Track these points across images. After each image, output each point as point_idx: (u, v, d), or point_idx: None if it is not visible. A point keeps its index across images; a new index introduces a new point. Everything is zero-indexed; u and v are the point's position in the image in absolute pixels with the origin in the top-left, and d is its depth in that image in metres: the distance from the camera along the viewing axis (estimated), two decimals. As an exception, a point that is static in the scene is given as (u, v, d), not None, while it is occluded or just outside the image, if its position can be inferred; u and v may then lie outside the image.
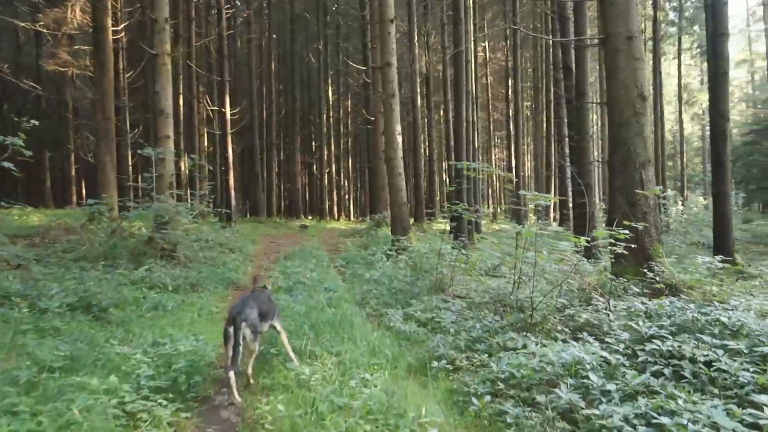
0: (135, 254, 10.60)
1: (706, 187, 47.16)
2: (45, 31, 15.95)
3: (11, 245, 11.15)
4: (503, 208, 49.16)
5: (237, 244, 14.64)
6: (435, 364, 5.02)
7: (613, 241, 6.19)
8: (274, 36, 41.16)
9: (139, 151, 10.90)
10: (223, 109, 19.82)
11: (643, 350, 4.52)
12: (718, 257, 7.32)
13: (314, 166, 48.02)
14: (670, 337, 4.69)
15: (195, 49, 23.38)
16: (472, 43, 24.80)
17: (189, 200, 12.66)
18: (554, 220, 31.78)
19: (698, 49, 47.98)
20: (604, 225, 9.21)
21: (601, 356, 4.39)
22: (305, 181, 46.75)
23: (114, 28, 14.39)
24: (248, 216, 38.69)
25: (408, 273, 10.17)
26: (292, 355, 4.99)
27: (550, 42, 29.05)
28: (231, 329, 4.47)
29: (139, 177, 15.21)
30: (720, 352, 4.23)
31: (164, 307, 7.49)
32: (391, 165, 14.78)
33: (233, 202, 20.17)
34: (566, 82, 17.47)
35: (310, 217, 44.91)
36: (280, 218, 37.71)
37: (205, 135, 32.80)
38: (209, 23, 24.98)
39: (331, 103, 41.34)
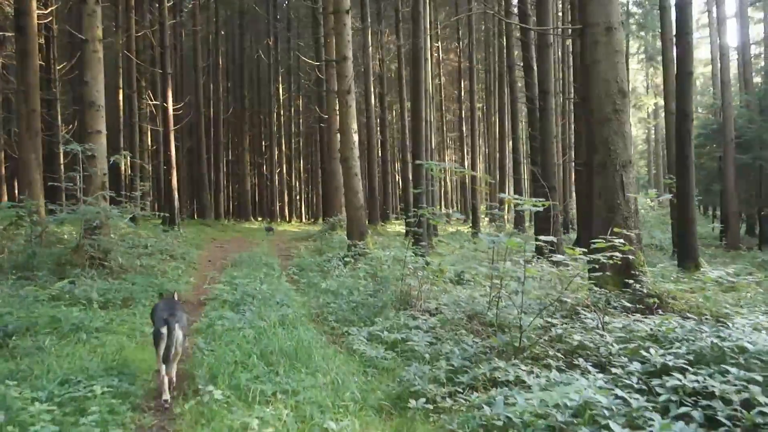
0: (59, 264, 9.36)
1: (654, 189, 48.12)
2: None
3: None
4: (455, 210, 48.93)
5: (180, 250, 13.45)
6: (412, 402, 4.16)
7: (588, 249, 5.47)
8: (222, 33, 39.64)
9: (63, 147, 9.63)
10: (166, 104, 18.47)
11: (662, 386, 3.79)
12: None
13: (264, 167, 46.66)
14: (689, 368, 3.98)
15: (135, 41, 21.88)
16: (428, 40, 24.13)
17: (126, 202, 11.36)
18: (507, 221, 31.47)
19: (644, 54, 48.85)
20: (563, 229, 8.60)
21: (616, 395, 3.63)
22: (255, 182, 45.26)
23: (41, 12, 13.00)
24: (195, 218, 37.06)
25: (369, 283, 9.30)
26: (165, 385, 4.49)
27: (504, 42, 28.74)
28: (164, 330, 4.47)
29: (63, 177, 13.78)
30: (756, 389, 3.53)
31: (86, 328, 6.37)
32: (347, 165, 13.88)
33: (176, 203, 18.85)
34: (528, 80, 16.99)
35: (260, 219, 43.48)
36: (228, 220, 36.23)
37: (149, 132, 31.12)
38: (151, 14, 23.48)
39: (281, 101, 40.12)
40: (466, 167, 35.21)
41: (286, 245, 18.53)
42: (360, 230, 13.82)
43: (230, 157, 44.32)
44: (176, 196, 18.69)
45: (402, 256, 13.24)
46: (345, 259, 12.47)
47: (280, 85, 39.62)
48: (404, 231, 27.86)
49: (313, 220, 45.03)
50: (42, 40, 18.62)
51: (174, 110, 18.95)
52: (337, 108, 20.15)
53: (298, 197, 46.21)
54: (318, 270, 11.83)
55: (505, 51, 27.32)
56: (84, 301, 7.54)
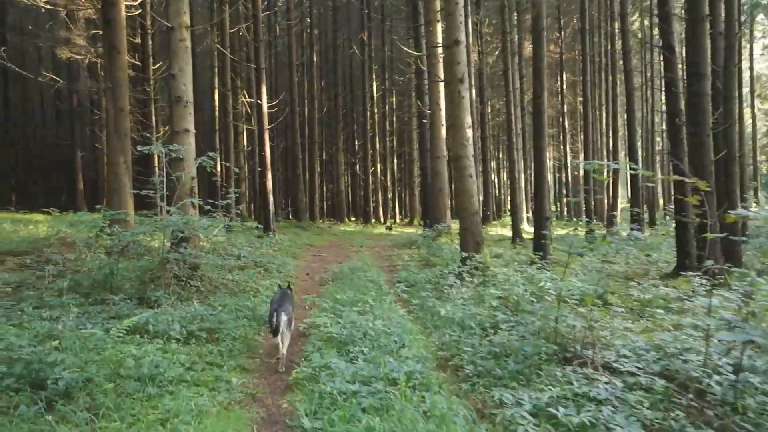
0: (141, 282, 8.19)
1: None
2: (60, 10, 13.76)
3: (-4, 267, 8.92)
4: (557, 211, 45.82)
5: (275, 262, 12.16)
6: None
7: None
8: (316, 31, 38.91)
9: (139, 148, 8.43)
10: (260, 101, 17.44)
11: None
12: None
13: (357, 166, 45.70)
14: None
15: (230, 37, 21.12)
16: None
17: (216, 211, 10.11)
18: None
19: (772, 36, 43.87)
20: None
21: None
22: (348, 182, 44.37)
23: (129, 3, 12.14)
24: (290, 218, 36.54)
25: (501, 313, 7.45)
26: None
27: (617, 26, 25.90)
28: (274, 319, 5.90)
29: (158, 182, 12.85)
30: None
31: (159, 379, 4.98)
32: (459, 165, 12.05)
33: (271, 208, 17.78)
34: (668, 61, 14.42)
35: (353, 219, 42.50)
36: (323, 221, 35.40)
37: (244, 133, 30.73)
38: (245, 8, 22.67)
39: (375, 99, 38.78)
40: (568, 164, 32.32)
41: (386, 252, 16.98)
42: (475, 240, 11.95)
43: (324, 157, 43.66)
44: (271, 199, 17.61)
45: (522, 270, 11.38)
46: (460, 274, 10.69)
47: (374, 83, 38.34)
48: (509, 235, 25.71)
49: (407, 221, 43.51)
50: (138, 39, 18.13)
51: (268, 108, 17.90)
52: (441, 101, 18.40)
53: (391, 197, 44.74)
54: (431, 289, 10.10)
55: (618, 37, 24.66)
56: (163, 334, 6.20)
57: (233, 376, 5.47)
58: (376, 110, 39.14)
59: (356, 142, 46.15)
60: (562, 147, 40.68)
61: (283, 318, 5.87)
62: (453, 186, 15.69)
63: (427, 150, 22.25)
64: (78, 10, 14.24)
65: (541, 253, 12.12)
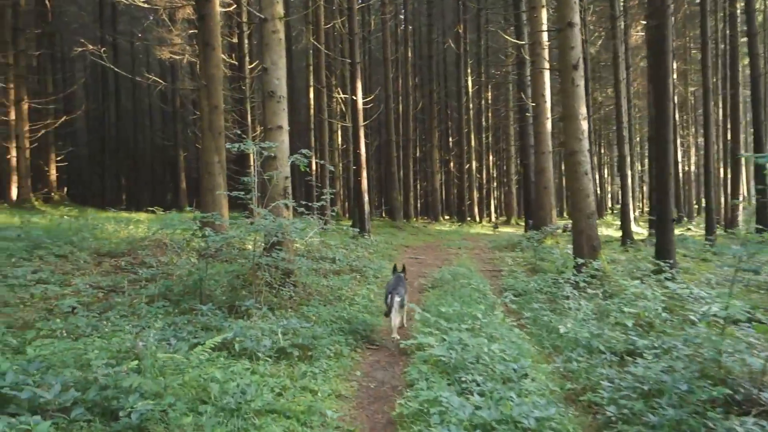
0: (232, 289, 7.70)
1: None
2: (158, 8, 13.77)
3: (93, 268, 8.76)
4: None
5: (371, 266, 11.45)
6: None
7: None
8: (411, 27, 38.17)
9: (228, 146, 7.94)
10: (355, 97, 16.88)
11: None
12: None
13: (451, 164, 44.59)
14: None
15: (324, 33, 20.79)
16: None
17: (311, 213, 9.52)
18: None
19: None
20: None
21: None
22: (442, 179, 43.36)
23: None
24: (383, 216, 36.07)
25: (635, 333, 6.31)
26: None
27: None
28: (388, 301, 6.84)
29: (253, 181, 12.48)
30: None
31: (244, 410, 4.31)
32: (573, 161, 10.84)
33: (366, 208, 17.18)
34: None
35: (447, 218, 41.49)
36: (416, 220, 34.65)
37: (339, 131, 30.48)
38: (341, 5, 22.27)
39: (470, 94, 37.47)
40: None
41: (487, 255, 15.92)
42: (591, 245, 10.71)
43: (418, 155, 42.93)
44: (366, 199, 17.01)
45: (645, 279, 10.01)
46: (575, 281, 9.52)
47: (469, 77, 37.05)
48: (615, 236, 23.81)
49: (503, 220, 41.93)
50: (235, 38, 18.10)
51: (363, 104, 17.33)
52: (546, 92, 17.07)
53: (486, 195, 43.26)
54: (544, 300, 9.03)
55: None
56: (251, 350, 5.59)
57: (328, 406, 4.73)
58: (471, 106, 37.87)
59: (450, 139, 45.06)
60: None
61: (396, 299, 6.77)
62: (563, 184, 14.42)
63: (529, 146, 20.93)
64: (175, 8, 14.27)
65: (669, 261, 10.65)
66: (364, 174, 17.04)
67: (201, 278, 7.02)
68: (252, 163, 16.23)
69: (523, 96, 19.75)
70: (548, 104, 17.21)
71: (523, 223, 40.19)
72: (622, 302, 7.77)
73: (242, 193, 7.29)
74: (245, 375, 5.02)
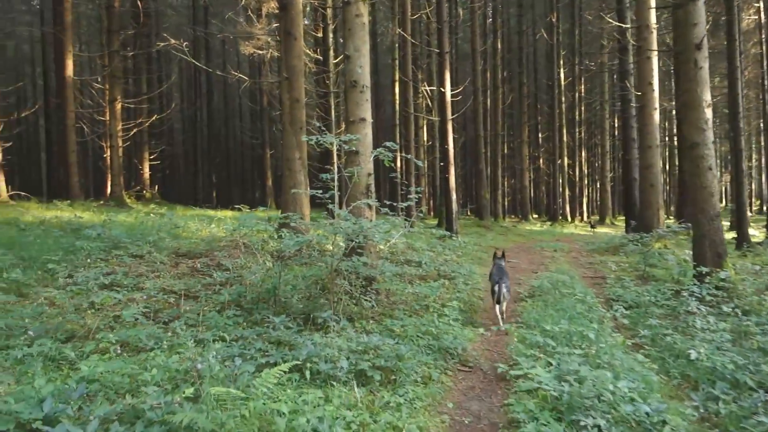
0: (308, 298, 7.02)
1: None
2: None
3: (169, 270, 8.39)
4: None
5: (460, 271, 10.51)
6: None
7: None
8: (500, 19, 36.67)
9: (304, 138, 7.24)
10: (443, 89, 15.95)
11: None
12: None
13: (541, 160, 42.67)
14: None
15: (411, 24, 19.97)
16: None
17: (396, 214, 8.75)
18: None
19: None
20: None
21: None
22: (531, 177, 41.57)
23: (307, -13, 11.41)
24: (469, 215, 34.89)
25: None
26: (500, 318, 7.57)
27: None
28: (496, 288, 7.54)
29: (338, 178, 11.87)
30: None
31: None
32: (695, 155, 9.44)
33: (454, 207, 16.23)
34: None
35: (535, 217, 39.70)
36: (504, 219, 33.26)
37: (424, 127, 29.64)
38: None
39: (563, 87, 35.46)
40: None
41: (586, 259, 14.57)
42: (716, 251, 9.30)
43: (506, 151, 41.39)
44: (454, 197, 16.04)
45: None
46: (704, 297, 8.19)
47: (562, 69, 35.07)
48: (726, 237, 21.57)
49: (597, 219, 39.59)
50: (320, 33, 17.63)
51: (451, 97, 16.35)
52: (654, 79, 15.45)
53: (579, 194, 40.96)
54: (663, 315, 7.80)
55: None
56: (327, 372, 4.85)
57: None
58: (563, 99, 35.85)
59: (539, 135, 43.12)
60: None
61: (504, 290, 7.52)
62: (677, 181, 12.81)
63: (631, 139, 19.21)
64: (260, 2, 13.93)
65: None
66: (452, 171, 16.08)
67: (275, 286, 6.37)
68: (334, 158, 15.72)
69: (627, 85, 18.10)
70: (656, 93, 15.59)
71: (619, 223, 37.92)
72: (765, 322, 6.47)
73: (321, 191, 6.58)
74: (318, 404, 4.27)
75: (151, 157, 27.15)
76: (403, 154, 13.35)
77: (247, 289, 7.05)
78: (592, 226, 28.17)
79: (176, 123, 42.28)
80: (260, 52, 15.07)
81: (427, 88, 19.89)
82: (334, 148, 6.79)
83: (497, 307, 7.53)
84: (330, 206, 6.63)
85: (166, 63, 37.18)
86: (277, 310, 6.41)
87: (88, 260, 7.95)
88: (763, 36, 24.94)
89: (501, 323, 7.32)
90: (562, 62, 35.11)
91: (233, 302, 6.71)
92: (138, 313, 5.86)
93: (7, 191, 17.13)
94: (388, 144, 6.95)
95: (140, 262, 8.48)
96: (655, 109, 15.48)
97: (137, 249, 9.10)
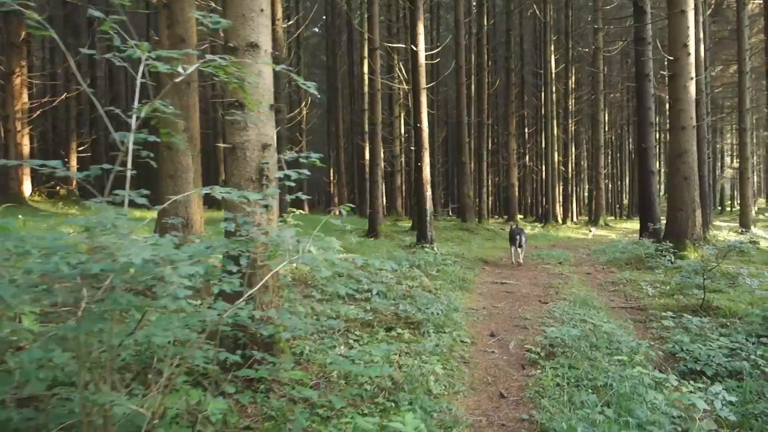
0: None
1: None
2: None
3: None
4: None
5: (431, 309, 6.68)
6: None
7: None
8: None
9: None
10: (415, 47, 12.06)
11: None
12: None
13: (527, 157, 39.23)
14: None
15: None
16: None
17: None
18: None
19: None
20: None
21: None
22: (520, 173, 38.07)
23: None
24: (451, 215, 31.26)
25: None
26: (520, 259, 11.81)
27: None
28: (517, 237, 11.76)
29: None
30: None
31: None
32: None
33: (429, 206, 12.30)
34: None
35: (521, 217, 36.14)
36: (490, 221, 29.65)
37: (401, 117, 25.83)
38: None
39: (553, 75, 31.80)
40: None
41: (604, 276, 10.91)
42: None
43: (491, 147, 37.88)
44: (429, 193, 12.12)
45: None
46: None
47: (552, 55, 31.44)
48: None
49: (592, 220, 36.20)
50: None
51: (428, 60, 12.51)
52: (691, 40, 11.87)
53: (572, 193, 37.35)
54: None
55: None
56: None
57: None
58: (554, 89, 32.22)
59: (526, 130, 39.62)
60: None
61: (523, 238, 11.99)
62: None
63: (648, 123, 15.65)
64: None
65: None
66: (427, 158, 12.15)
67: None
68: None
69: (645, 52, 14.49)
70: (692, 57, 12.05)
71: (615, 225, 34.53)
72: None
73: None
74: None
75: (80, 148, 23.22)
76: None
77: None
78: (591, 229, 24.73)
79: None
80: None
81: (397, 46, 16.02)
82: (140, 74, 2.98)
83: (513, 248, 11.94)
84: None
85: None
86: None
87: None
88: None
89: (518, 259, 11.90)
90: (552, 48, 31.51)
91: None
92: None
93: None
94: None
95: None
96: (692, 78, 11.93)
97: None
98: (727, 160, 53.31)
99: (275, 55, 6.29)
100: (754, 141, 43.10)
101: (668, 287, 9.11)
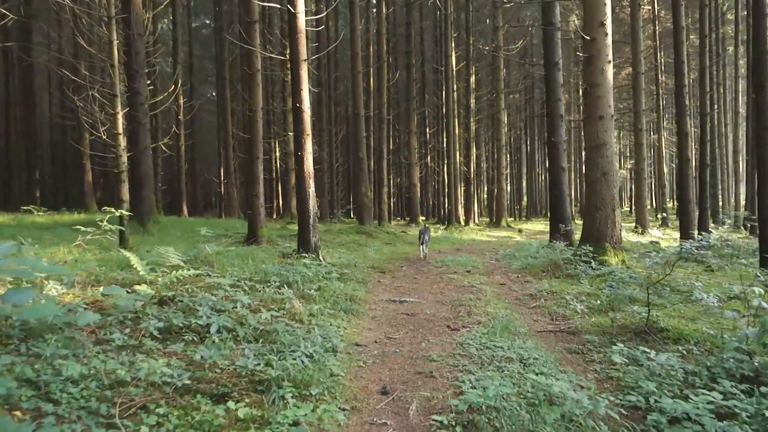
0: None
1: None
2: None
3: None
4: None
5: (305, 345, 4.58)
6: None
7: None
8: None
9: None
10: (293, 7, 9.85)
11: None
12: None
13: (428, 157, 38.12)
14: None
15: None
16: None
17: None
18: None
19: None
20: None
21: None
22: (422, 173, 36.73)
23: None
24: (352, 216, 29.29)
25: None
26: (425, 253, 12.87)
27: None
28: (422, 235, 12.89)
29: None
30: None
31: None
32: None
33: (312, 205, 10.01)
34: None
35: (423, 218, 34.84)
36: (390, 223, 27.97)
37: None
38: None
39: (454, 72, 30.58)
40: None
41: (521, 287, 9.23)
42: None
43: (392, 146, 36.31)
44: (312, 190, 9.87)
45: None
46: None
47: (453, 51, 30.23)
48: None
49: (487, 221, 35.48)
50: None
51: (311, 27, 10.45)
52: (608, 19, 10.54)
53: (473, 194, 36.35)
54: None
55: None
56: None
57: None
58: (455, 87, 31.04)
59: (428, 129, 38.50)
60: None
61: (426, 237, 12.91)
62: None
63: (558, 115, 14.41)
64: None
65: None
66: (309, 145, 9.81)
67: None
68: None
69: (554, 38, 13.15)
70: (610, 38, 10.75)
71: (517, 225, 33.92)
72: None
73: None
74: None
75: None
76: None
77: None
78: (520, 231, 23.60)
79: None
80: None
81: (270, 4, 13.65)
82: None
83: (421, 246, 12.93)
84: None
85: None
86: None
87: None
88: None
89: (423, 254, 12.92)
90: (453, 44, 30.30)
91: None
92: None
93: None
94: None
95: None
96: (609, 62, 10.60)
97: None
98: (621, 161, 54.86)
99: None
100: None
101: (598, 301, 7.52)
